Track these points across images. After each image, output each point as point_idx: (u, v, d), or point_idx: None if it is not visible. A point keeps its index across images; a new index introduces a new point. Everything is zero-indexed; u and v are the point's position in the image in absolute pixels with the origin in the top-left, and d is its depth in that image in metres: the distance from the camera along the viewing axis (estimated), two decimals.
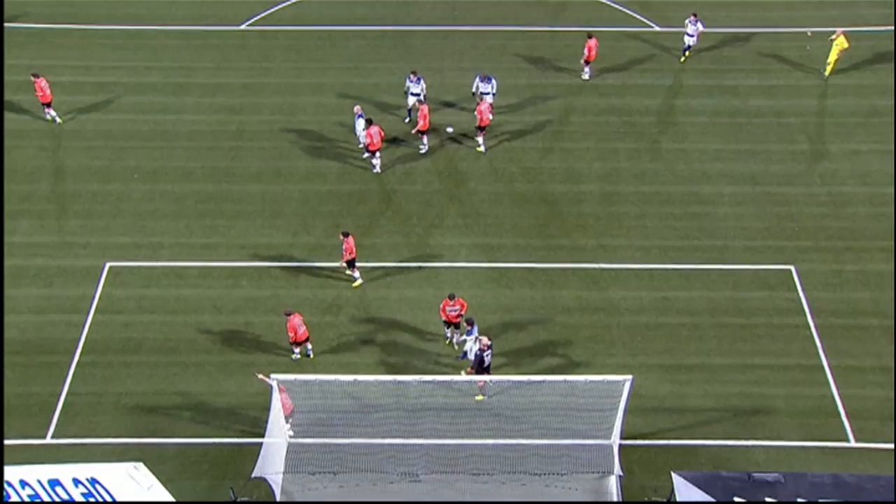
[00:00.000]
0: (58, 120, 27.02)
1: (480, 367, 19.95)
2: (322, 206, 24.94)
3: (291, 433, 19.45)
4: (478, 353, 19.92)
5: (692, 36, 28.88)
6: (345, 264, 22.69)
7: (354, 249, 22.46)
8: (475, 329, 20.54)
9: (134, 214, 24.73)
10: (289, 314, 20.64)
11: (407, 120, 27.15)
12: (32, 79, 26.52)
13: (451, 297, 20.80)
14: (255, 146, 26.79)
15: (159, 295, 22.83)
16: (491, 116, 25.92)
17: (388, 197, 25.29)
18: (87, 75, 28.79)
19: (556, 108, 27.90)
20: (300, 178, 25.79)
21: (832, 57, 28.42)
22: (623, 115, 27.68)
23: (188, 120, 27.56)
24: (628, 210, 24.91)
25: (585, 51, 28.19)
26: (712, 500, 16.40)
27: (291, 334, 20.71)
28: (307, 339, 21.03)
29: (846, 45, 28.10)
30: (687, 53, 29.30)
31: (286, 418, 19.20)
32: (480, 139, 26.12)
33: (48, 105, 26.79)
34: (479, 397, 20.07)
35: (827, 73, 28.65)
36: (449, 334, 21.44)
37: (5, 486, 15.53)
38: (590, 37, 28.21)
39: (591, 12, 31.26)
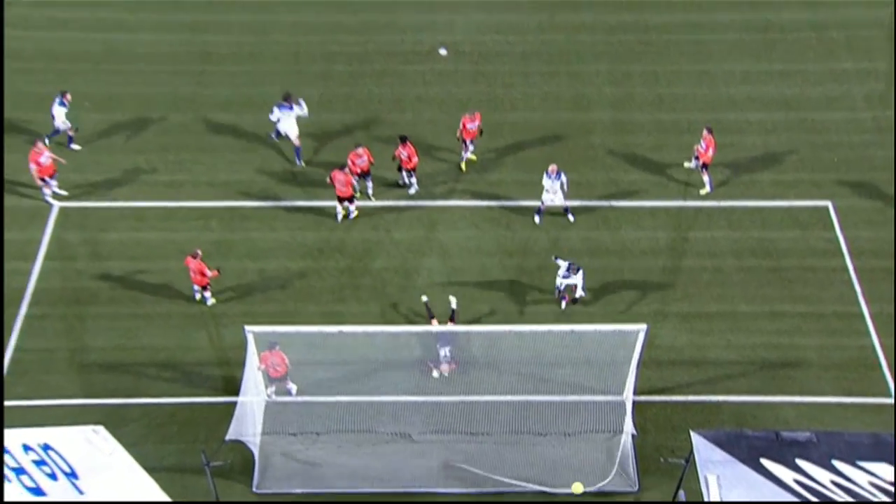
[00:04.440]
0: None
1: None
2: (300, 138, 24.22)
3: (270, 396, 19.28)
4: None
5: None
6: (341, 212, 22.39)
7: (353, 184, 22.06)
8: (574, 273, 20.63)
9: (86, 148, 24.15)
10: (195, 256, 20.45)
11: None
12: None
13: None
14: (223, 70, 26.19)
15: (117, 239, 22.43)
16: None
17: (374, 125, 24.75)
18: None
19: (562, 26, 27.16)
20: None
21: None
22: (638, 32, 27.01)
23: (146, 40, 26.81)
24: (643, 141, 24.51)
25: None
26: (736, 461, 16.27)
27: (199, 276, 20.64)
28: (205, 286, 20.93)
29: None
30: None
31: (271, 381, 19.00)
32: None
33: None
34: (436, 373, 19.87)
35: None
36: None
37: None
38: None
39: None
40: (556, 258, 21.13)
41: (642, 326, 17.62)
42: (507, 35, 26.92)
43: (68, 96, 23.66)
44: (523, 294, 21.44)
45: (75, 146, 23.97)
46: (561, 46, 26.76)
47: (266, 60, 26.41)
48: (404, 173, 23.15)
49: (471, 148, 23.80)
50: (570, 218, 22.72)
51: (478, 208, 23.11)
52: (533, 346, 18.92)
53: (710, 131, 22.73)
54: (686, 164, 23.67)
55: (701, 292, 21.58)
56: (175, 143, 24.44)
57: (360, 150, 22.54)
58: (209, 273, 20.56)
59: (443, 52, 26.57)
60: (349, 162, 22.52)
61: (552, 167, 22.07)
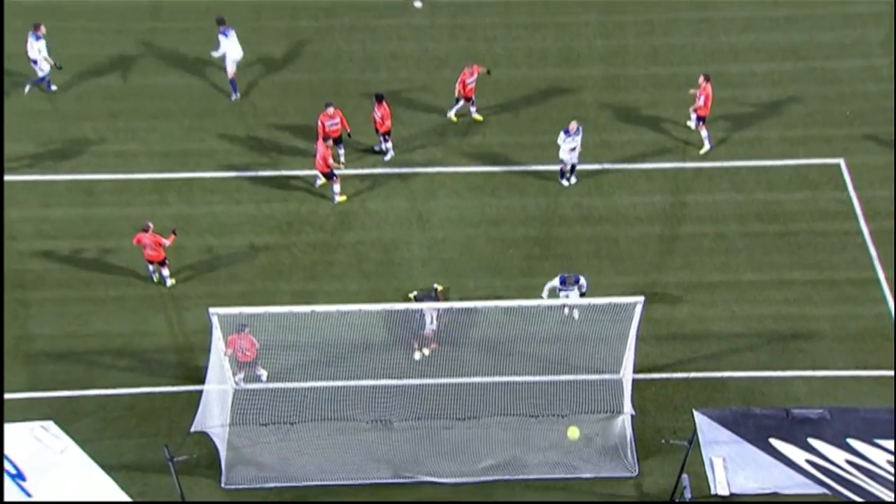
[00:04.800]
0: None
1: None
2: (264, 101, 24.34)
3: (238, 384, 19.18)
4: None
5: None
6: (321, 178, 22.20)
7: (330, 158, 21.80)
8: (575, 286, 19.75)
9: (24, 115, 23.85)
10: (146, 230, 20.27)
11: None
12: None
13: None
14: (175, 27, 25.92)
15: (64, 215, 22.23)
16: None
17: (344, 86, 24.52)
18: None
19: None
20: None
21: None
22: None
23: None
24: (638, 97, 24.45)
25: None
26: (743, 441, 16.32)
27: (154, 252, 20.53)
28: (163, 262, 20.76)
29: None
30: None
31: (240, 366, 18.92)
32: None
33: None
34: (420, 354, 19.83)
35: None
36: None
37: None
38: None
39: None
40: (561, 285, 19.74)
41: (639, 299, 17.66)
42: None
43: (42, 28, 23.37)
44: (511, 267, 21.42)
45: (54, 87, 23.90)
46: None
47: (224, 15, 25.63)
48: (380, 137, 22.95)
49: (474, 108, 23.73)
50: (573, 180, 22.62)
51: (460, 174, 23.03)
52: (522, 323, 18.99)
53: (707, 79, 22.59)
54: (688, 123, 23.55)
55: (703, 260, 21.57)
56: (125, 108, 24.18)
57: (331, 111, 22.28)
58: (166, 242, 20.27)
59: (418, 4, 26.42)
60: (319, 124, 22.25)
61: (573, 125, 21.91)
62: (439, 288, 20.63)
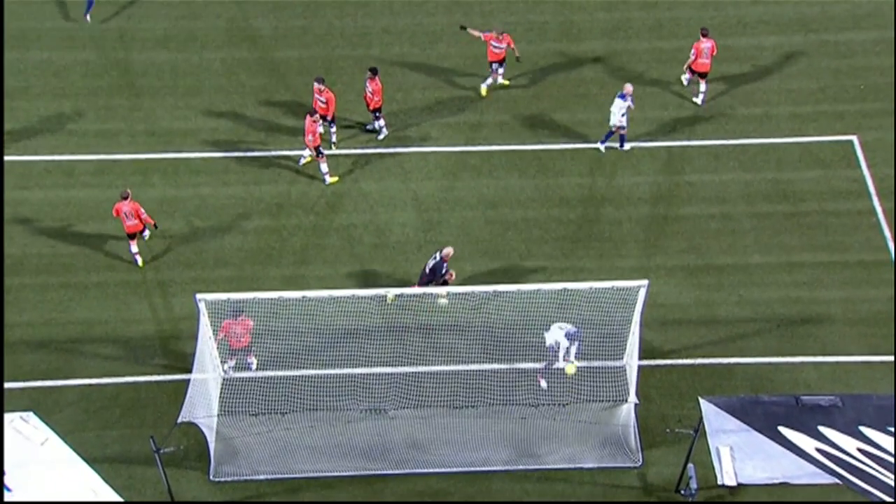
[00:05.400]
0: None
1: (432, 279, 19.83)
2: (252, 79, 24.22)
3: (227, 372, 19.12)
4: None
5: None
6: (310, 153, 22.05)
7: (317, 133, 21.71)
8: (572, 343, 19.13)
9: None
10: (125, 197, 20.28)
11: None
12: None
13: None
14: (157, 1, 25.63)
15: (43, 198, 22.11)
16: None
17: (335, 63, 24.41)
18: None
19: None
20: (221, 43, 24.90)
21: None
22: None
23: None
24: (642, 72, 24.35)
25: None
26: (751, 429, 16.34)
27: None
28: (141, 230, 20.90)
29: None
30: None
31: (231, 352, 18.88)
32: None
33: None
34: (443, 300, 19.75)
35: None
36: None
37: None
38: None
39: None
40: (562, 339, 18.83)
41: (643, 282, 17.59)
42: None
43: None
44: (510, 250, 21.35)
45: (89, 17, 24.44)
46: None
47: None
48: (373, 115, 22.81)
49: (500, 71, 23.73)
50: (626, 147, 22.88)
51: (456, 154, 22.95)
52: (522, 308, 18.92)
53: (704, 35, 23.00)
54: (682, 78, 23.84)
55: (709, 243, 21.51)
56: (105, 85, 24.05)
57: (320, 86, 22.16)
58: (146, 216, 20.30)
59: None
60: (315, 100, 22.30)
61: (628, 87, 22.06)
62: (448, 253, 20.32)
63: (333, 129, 22.65)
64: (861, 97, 23.83)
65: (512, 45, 23.28)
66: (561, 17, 25.43)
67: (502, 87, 23.81)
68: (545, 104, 23.68)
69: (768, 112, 23.57)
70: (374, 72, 22.28)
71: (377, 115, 22.81)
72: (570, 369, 18.20)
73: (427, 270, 19.91)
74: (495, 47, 23.21)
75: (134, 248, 20.71)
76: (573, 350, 18.63)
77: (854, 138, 23.09)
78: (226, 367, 19.05)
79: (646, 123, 23.30)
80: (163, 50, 24.64)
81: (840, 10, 25.38)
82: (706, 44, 23.01)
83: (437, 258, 19.92)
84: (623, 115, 22.18)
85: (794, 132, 23.23)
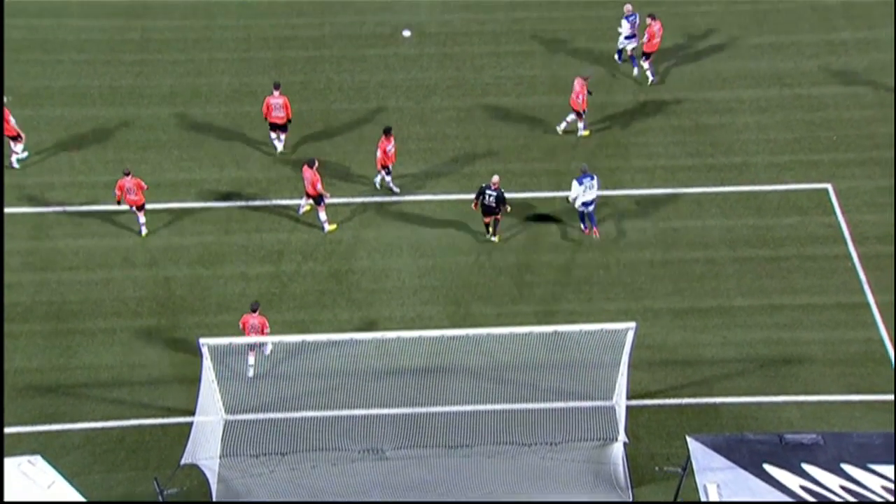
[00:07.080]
0: None
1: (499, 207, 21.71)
2: (254, 132, 24.34)
3: (251, 373, 19.38)
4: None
5: None
6: (309, 203, 22.22)
7: (320, 182, 21.79)
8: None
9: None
10: (127, 174, 21.60)
11: None
12: None
13: None
14: (164, 59, 25.98)
15: (52, 248, 22.14)
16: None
17: (334, 116, 24.62)
18: None
19: (535, 2, 27.21)
20: (225, 98, 25.12)
21: None
22: (617, 6, 26.40)
23: (75, 26, 26.55)
24: (625, 125, 24.54)
25: None
26: (737, 467, 16.28)
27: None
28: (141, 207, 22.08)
29: None
30: None
31: (250, 347, 19.10)
32: None
33: None
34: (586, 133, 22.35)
35: None
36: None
37: None
38: None
39: None
40: None
41: (631, 325, 17.63)
42: (476, 13, 26.82)
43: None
44: (502, 294, 21.41)
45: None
46: (534, 24, 26.72)
47: (212, 47, 26.17)
48: (383, 171, 22.79)
49: (583, 123, 24.06)
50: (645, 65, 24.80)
51: (450, 202, 23.06)
52: (514, 350, 18.92)
53: (653, 18, 24.48)
54: (615, 58, 25.41)
55: (693, 286, 21.61)
56: (114, 140, 24.18)
57: (276, 94, 22.83)
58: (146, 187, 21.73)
59: (406, 34, 26.52)
60: (265, 106, 23.02)
61: (628, 7, 24.65)
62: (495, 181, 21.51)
63: (283, 136, 23.42)
64: (834, 147, 24.09)
65: (585, 86, 23.73)
66: (549, 72, 25.66)
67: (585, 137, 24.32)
68: (534, 154, 23.88)
69: (747, 161, 23.79)
70: (387, 132, 22.19)
71: (388, 170, 22.87)
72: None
73: (492, 202, 21.41)
74: (580, 97, 23.56)
75: (142, 218, 21.85)
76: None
77: (829, 186, 23.30)
78: (249, 362, 19.30)
79: (630, 171, 23.49)
80: (169, 106, 24.83)
81: (812, 66, 25.73)
82: (657, 26, 24.45)
83: (492, 189, 21.31)
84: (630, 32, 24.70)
85: (772, 180, 23.44)
